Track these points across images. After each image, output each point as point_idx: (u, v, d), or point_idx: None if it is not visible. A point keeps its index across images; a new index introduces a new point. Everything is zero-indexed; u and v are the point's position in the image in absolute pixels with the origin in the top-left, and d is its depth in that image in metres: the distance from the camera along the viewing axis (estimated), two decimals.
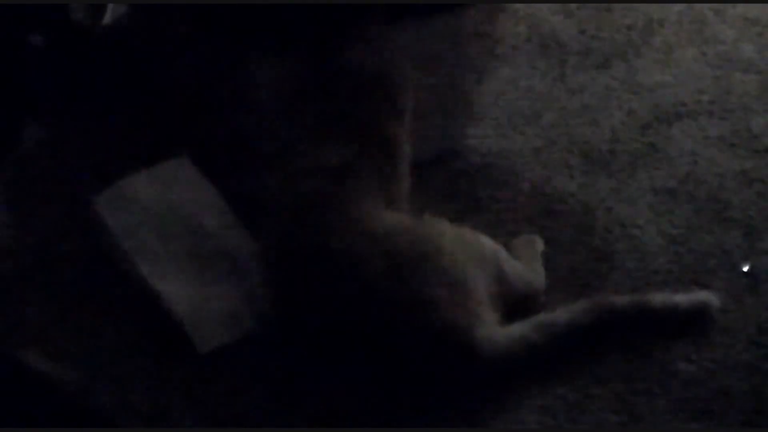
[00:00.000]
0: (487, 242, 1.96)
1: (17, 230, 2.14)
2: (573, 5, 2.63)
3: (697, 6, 2.62)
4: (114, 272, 2.03)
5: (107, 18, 2.44)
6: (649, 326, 1.93)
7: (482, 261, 1.92)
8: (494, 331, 1.86)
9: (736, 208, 2.15)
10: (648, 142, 2.29)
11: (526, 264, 2.00)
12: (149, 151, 2.21)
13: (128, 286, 2.01)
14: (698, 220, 2.13)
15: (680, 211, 2.14)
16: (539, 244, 2.06)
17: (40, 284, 2.05)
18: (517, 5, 2.62)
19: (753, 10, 2.59)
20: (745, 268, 2.03)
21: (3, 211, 2.19)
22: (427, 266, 1.86)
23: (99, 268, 2.05)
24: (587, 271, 2.03)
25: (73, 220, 2.13)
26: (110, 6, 2.43)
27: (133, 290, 2.00)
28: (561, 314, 1.90)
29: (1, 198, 2.22)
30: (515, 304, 1.93)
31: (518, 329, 1.88)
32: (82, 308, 2.00)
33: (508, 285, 1.93)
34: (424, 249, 1.88)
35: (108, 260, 2.04)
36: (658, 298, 1.94)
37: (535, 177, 2.22)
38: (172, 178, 2.11)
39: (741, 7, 2.61)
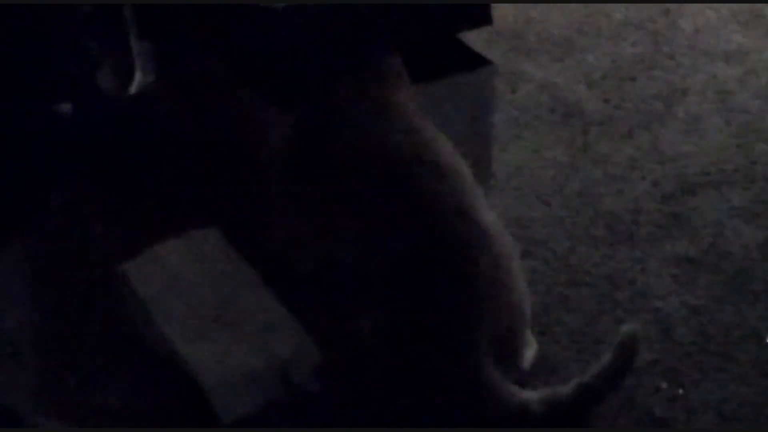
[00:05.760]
0: None
1: (40, 295, 2.15)
2: (597, 75, 2.64)
3: (721, 76, 2.63)
4: (139, 339, 2.03)
5: (134, 86, 2.47)
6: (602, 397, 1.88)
7: None
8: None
9: (760, 279, 2.14)
10: (671, 212, 2.29)
11: None
12: (177, 219, 2.23)
13: (152, 353, 2.01)
14: (722, 291, 2.12)
15: (704, 282, 2.14)
16: None
17: (62, 350, 2.05)
18: (539, 75, 2.63)
19: None
20: None
21: (27, 276, 2.20)
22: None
23: (124, 334, 2.06)
24: (610, 342, 2.02)
25: (98, 285, 2.14)
26: (137, 75, 2.46)
27: (157, 357, 2.00)
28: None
29: (26, 263, 2.23)
30: None
31: None
32: (104, 375, 2.00)
33: None
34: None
35: (133, 327, 2.05)
36: (592, 369, 1.87)
37: (559, 247, 2.22)
38: (201, 246, 2.13)
39: (765, 78, 2.62)
